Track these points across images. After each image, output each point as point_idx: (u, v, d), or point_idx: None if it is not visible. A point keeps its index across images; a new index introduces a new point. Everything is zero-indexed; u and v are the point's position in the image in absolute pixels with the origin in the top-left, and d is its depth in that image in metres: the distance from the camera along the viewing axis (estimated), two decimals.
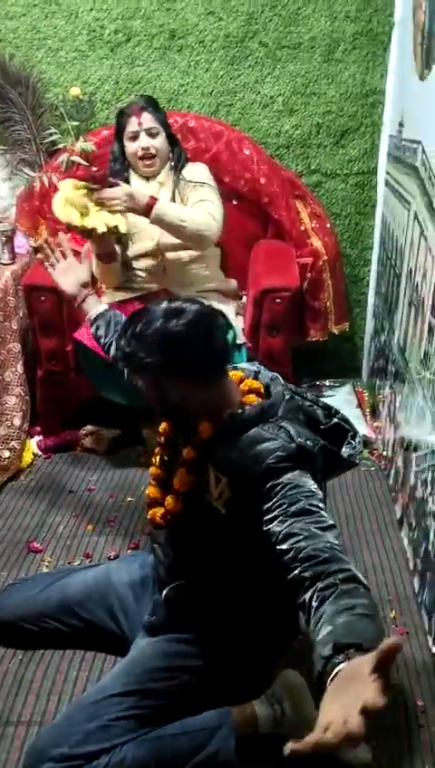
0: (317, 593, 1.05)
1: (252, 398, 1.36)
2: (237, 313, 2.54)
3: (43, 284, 2.33)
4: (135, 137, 2.35)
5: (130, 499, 2.28)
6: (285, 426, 1.28)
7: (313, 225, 2.74)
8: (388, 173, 2.69)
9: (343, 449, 1.39)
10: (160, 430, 1.48)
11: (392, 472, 2.34)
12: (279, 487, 1.21)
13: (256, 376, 1.45)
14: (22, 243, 2.71)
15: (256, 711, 1.42)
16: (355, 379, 3.04)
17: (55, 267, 1.75)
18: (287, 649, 1.57)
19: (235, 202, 2.72)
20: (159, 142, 2.36)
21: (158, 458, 1.47)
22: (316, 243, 2.72)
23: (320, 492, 1.23)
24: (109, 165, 2.42)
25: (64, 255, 1.76)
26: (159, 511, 1.43)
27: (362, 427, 2.64)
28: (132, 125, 2.34)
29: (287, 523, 1.16)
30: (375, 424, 2.69)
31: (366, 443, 2.60)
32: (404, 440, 2.15)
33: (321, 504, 1.19)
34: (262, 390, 1.39)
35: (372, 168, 2.82)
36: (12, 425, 2.42)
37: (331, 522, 1.18)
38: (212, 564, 1.38)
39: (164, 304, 1.31)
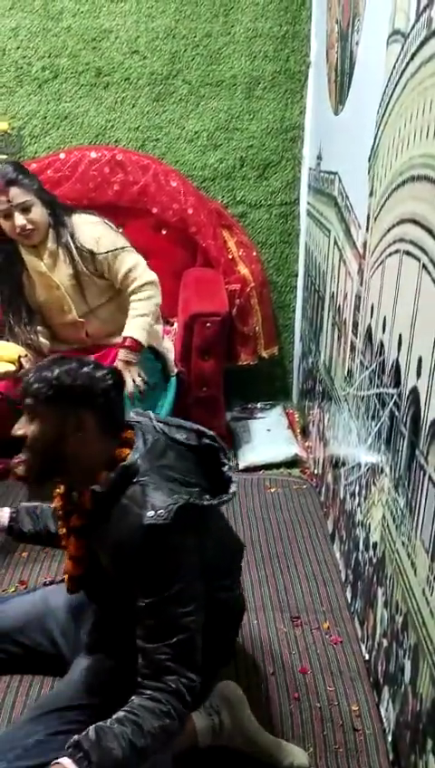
0: (139, 689, 1.25)
1: (119, 451, 1.36)
2: (170, 340, 2.59)
3: None
4: (8, 215, 2.20)
5: None
6: (148, 490, 1.28)
7: (240, 254, 2.84)
8: (309, 203, 2.82)
9: (223, 468, 1.42)
10: (55, 505, 1.47)
11: (323, 488, 2.41)
12: (142, 573, 1.26)
13: (126, 425, 1.43)
14: None
15: (194, 723, 1.43)
16: (286, 401, 3.13)
17: None
18: (226, 664, 1.60)
19: (163, 232, 2.80)
20: (36, 214, 2.22)
21: (63, 529, 1.46)
22: (244, 270, 2.81)
23: (177, 581, 1.26)
24: None
25: None
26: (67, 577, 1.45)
27: (294, 447, 2.72)
28: (1, 203, 2.18)
29: (139, 614, 1.26)
30: (306, 443, 2.76)
31: (298, 462, 2.68)
32: (333, 457, 2.23)
33: (174, 595, 1.25)
34: (133, 438, 1.38)
35: (295, 199, 2.95)
36: None
37: (177, 622, 1.25)
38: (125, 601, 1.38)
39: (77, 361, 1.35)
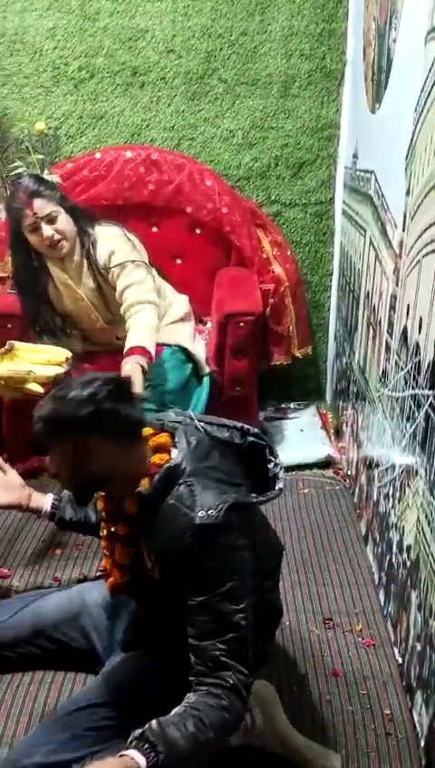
0: (195, 685, 1.25)
1: (158, 457, 1.35)
2: (203, 339, 2.59)
3: (3, 312, 2.40)
4: (35, 228, 2.17)
5: None
6: (196, 491, 1.28)
7: (274, 253, 2.83)
8: (344, 202, 2.80)
9: (269, 467, 1.41)
10: (99, 507, 1.49)
11: (357, 490, 2.40)
12: (194, 573, 1.26)
13: (161, 427, 1.41)
14: None
15: None
16: (319, 402, 3.11)
17: None
18: (265, 663, 1.59)
19: (198, 231, 2.80)
20: (62, 223, 2.19)
21: (104, 531, 1.48)
22: (278, 269, 2.80)
23: (229, 579, 1.26)
24: (15, 265, 2.32)
25: None
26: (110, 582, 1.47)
27: (328, 448, 2.70)
28: (27, 217, 2.15)
29: (192, 612, 1.26)
30: (340, 444, 2.75)
31: (331, 463, 2.66)
32: (367, 458, 2.21)
33: (227, 593, 1.25)
34: (169, 443, 1.37)
35: (330, 198, 2.93)
36: None
37: (230, 619, 1.25)
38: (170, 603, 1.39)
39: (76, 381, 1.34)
